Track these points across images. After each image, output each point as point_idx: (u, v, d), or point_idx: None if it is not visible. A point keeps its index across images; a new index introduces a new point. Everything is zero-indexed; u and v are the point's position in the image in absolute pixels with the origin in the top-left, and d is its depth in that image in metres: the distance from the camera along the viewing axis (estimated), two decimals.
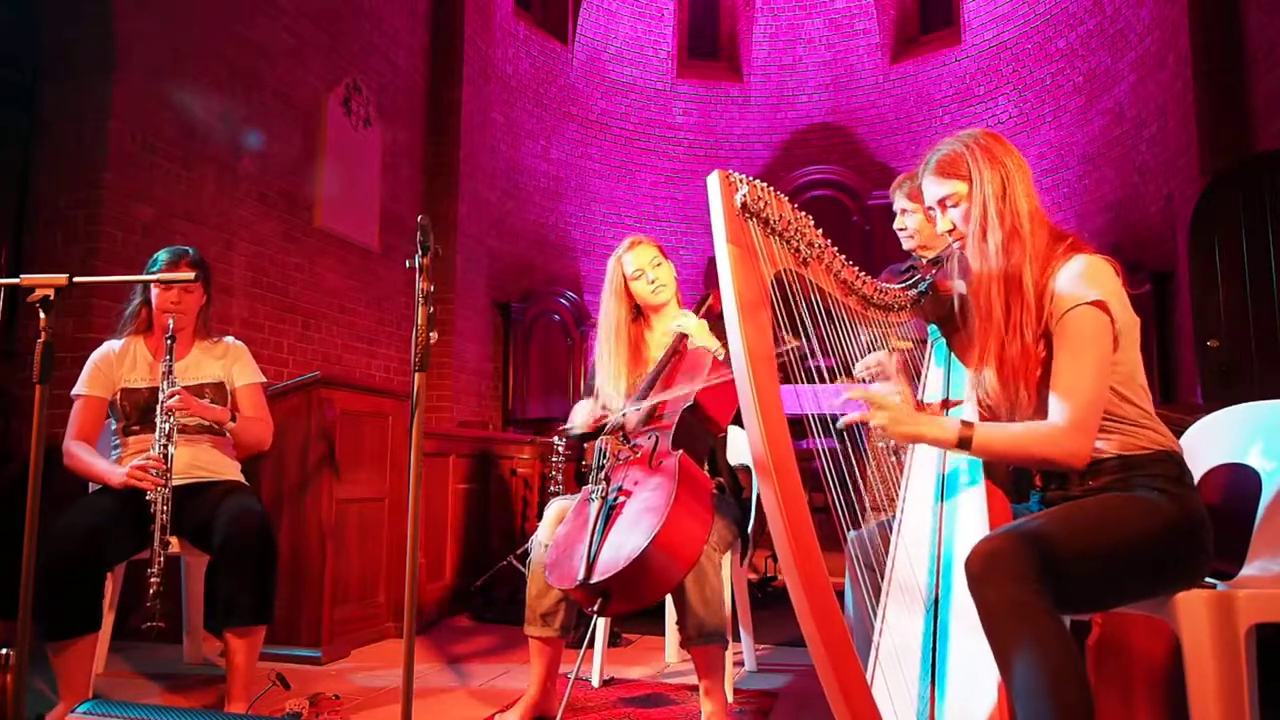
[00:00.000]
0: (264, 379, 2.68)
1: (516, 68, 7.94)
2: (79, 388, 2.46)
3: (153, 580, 2.14)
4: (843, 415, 1.58)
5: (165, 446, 2.29)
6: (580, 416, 2.50)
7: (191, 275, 2.08)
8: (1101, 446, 1.58)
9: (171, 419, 2.32)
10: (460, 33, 6.66)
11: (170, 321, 2.41)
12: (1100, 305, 1.51)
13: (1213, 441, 1.90)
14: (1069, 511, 1.50)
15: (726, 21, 9.27)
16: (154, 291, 2.51)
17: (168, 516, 2.23)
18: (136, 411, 2.47)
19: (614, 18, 8.80)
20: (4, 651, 1.48)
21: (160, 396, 2.33)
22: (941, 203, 1.69)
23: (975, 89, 8.04)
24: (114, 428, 2.52)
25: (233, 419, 2.50)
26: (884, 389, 1.60)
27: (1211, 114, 5.33)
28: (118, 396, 2.48)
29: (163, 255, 2.50)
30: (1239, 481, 1.89)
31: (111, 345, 2.54)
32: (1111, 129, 6.77)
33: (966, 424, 1.55)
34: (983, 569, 1.35)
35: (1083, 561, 1.42)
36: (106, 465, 2.36)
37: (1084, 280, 1.53)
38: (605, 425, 2.42)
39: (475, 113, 6.89)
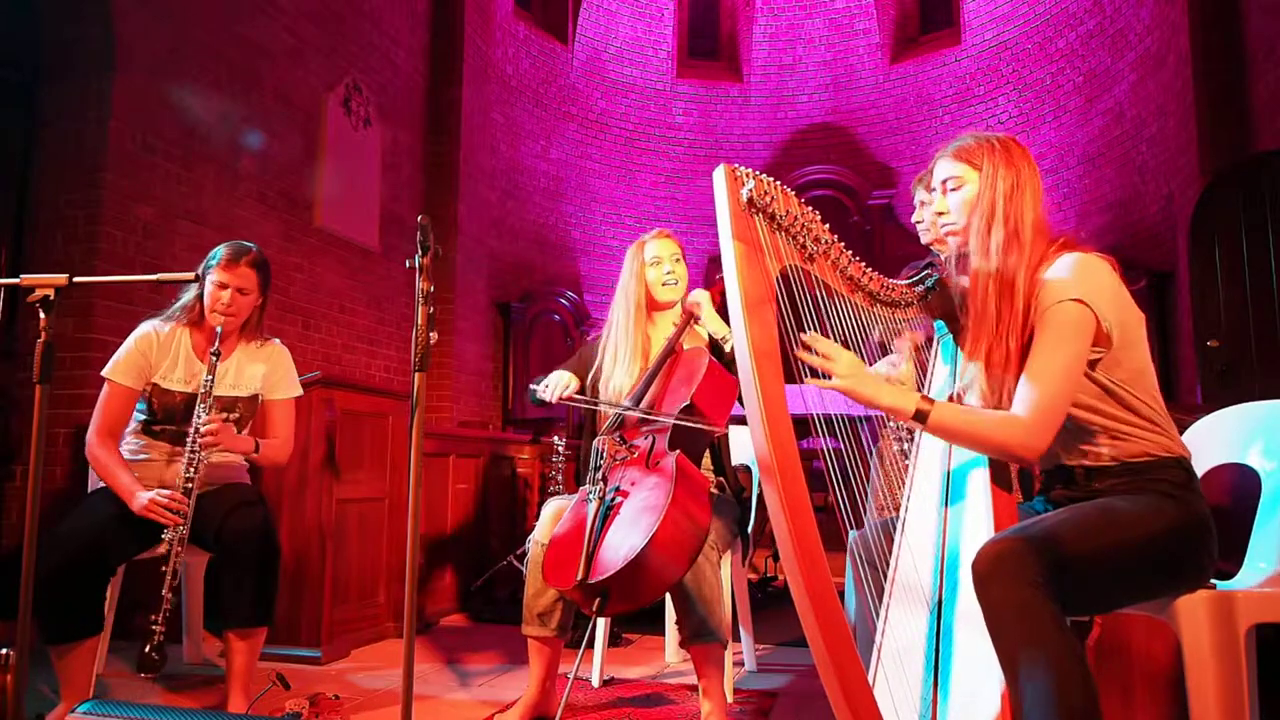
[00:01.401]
0: (299, 392, 2.58)
1: (516, 68, 7.94)
2: (111, 369, 2.34)
3: (156, 628, 2.03)
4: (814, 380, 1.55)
5: (190, 480, 2.18)
6: (555, 381, 2.41)
7: (191, 275, 2.04)
8: (1110, 452, 1.56)
9: (200, 454, 2.21)
10: (460, 33, 6.66)
11: (219, 328, 2.29)
12: (1083, 303, 1.50)
13: (1213, 441, 1.90)
14: (1076, 514, 1.48)
15: (726, 21, 9.27)
16: (208, 288, 2.36)
17: (180, 560, 2.13)
18: (165, 413, 2.38)
19: (614, 18, 8.80)
20: (4, 651, 1.48)
21: (195, 421, 2.22)
22: (944, 183, 1.69)
23: (975, 89, 8.04)
24: (137, 417, 2.41)
25: (256, 449, 2.40)
26: (838, 349, 1.55)
27: (1211, 114, 5.34)
28: (149, 390, 2.37)
29: (221, 250, 2.36)
30: (1239, 481, 1.90)
31: (158, 328, 2.40)
32: (1111, 129, 6.77)
33: (927, 399, 1.53)
34: (989, 570, 1.34)
35: (1089, 564, 1.42)
36: (128, 481, 2.25)
37: (1070, 278, 1.52)
38: (541, 397, 2.39)
39: (475, 113, 6.89)
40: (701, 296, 2.46)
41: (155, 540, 2.30)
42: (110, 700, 2.03)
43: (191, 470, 2.20)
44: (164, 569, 2.10)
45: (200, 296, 2.40)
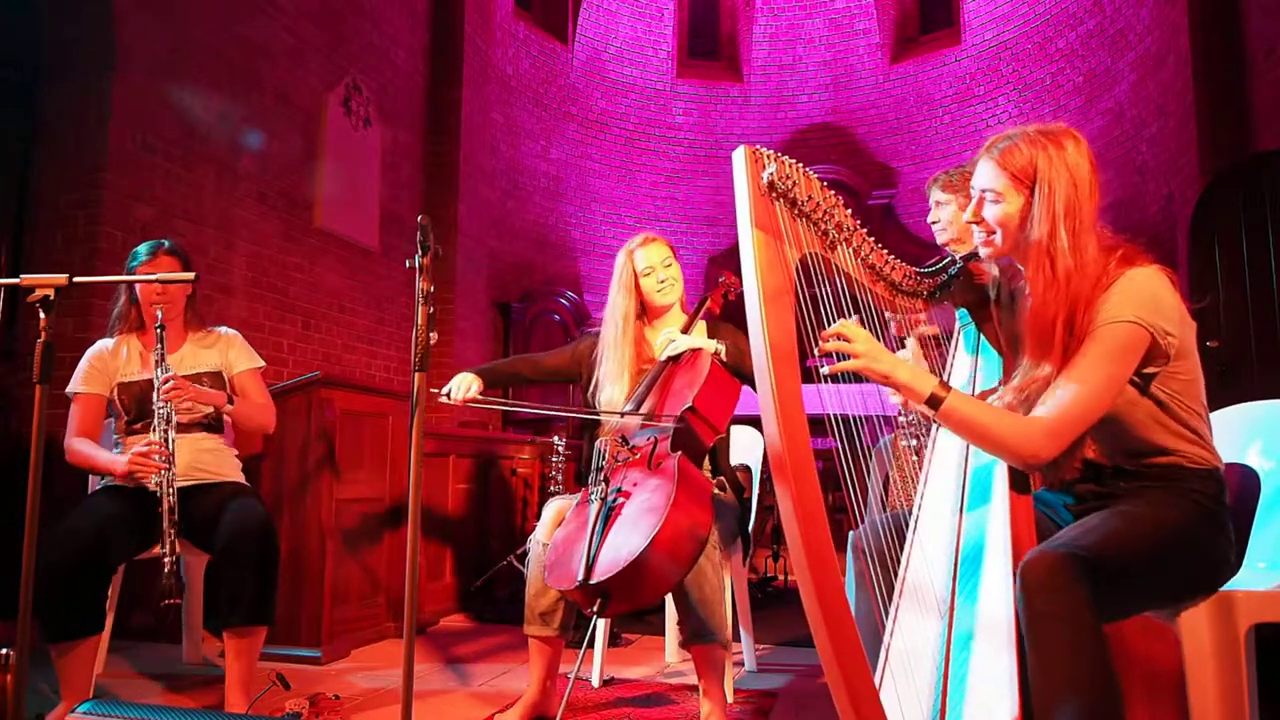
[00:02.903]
0: (262, 363, 2.66)
1: (516, 68, 7.94)
2: (75, 385, 2.44)
3: (166, 560, 2.14)
4: (824, 365, 1.48)
5: (165, 432, 2.28)
6: (458, 384, 2.49)
7: (192, 275, 2.05)
8: (1151, 461, 1.55)
9: (169, 406, 2.30)
10: (460, 33, 6.66)
11: (159, 312, 2.39)
12: (1138, 324, 1.45)
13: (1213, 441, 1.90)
14: (1120, 523, 1.47)
15: (726, 21, 9.27)
16: (138, 287, 2.49)
17: (174, 499, 2.23)
18: (135, 405, 2.45)
19: (614, 18, 8.80)
20: (4, 651, 1.48)
21: (155, 384, 2.31)
22: (983, 191, 1.58)
23: (975, 89, 8.03)
24: (114, 425, 2.50)
25: (230, 401, 2.49)
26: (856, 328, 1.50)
27: (1211, 114, 5.33)
28: (115, 392, 2.46)
29: (141, 249, 2.48)
30: (1239, 481, 1.89)
31: (105, 343, 2.52)
32: (1111, 129, 6.77)
33: (944, 384, 1.47)
34: (1038, 579, 1.33)
35: (1129, 574, 1.42)
36: (108, 457, 2.35)
37: (1129, 296, 1.47)
38: (443, 400, 2.44)
39: (475, 113, 6.89)
40: (674, 336, 2.42)
41: (155, 539, 2.31)
42: (110, 700, 2.03)
43: (165, 424, 2.28)
44: (159, 509, 2.21)
45: (132, 301, 2.53)
